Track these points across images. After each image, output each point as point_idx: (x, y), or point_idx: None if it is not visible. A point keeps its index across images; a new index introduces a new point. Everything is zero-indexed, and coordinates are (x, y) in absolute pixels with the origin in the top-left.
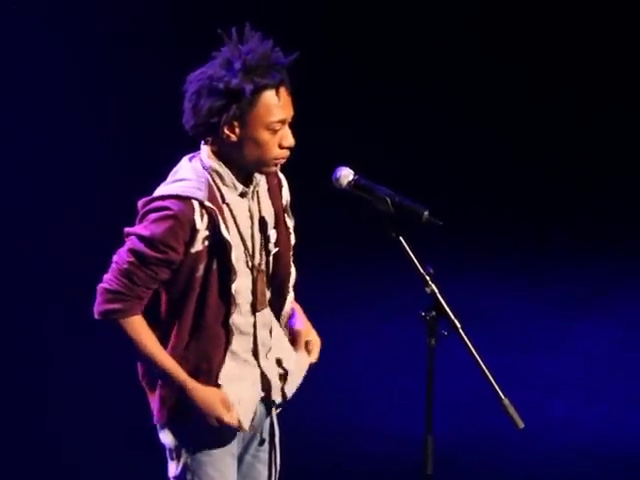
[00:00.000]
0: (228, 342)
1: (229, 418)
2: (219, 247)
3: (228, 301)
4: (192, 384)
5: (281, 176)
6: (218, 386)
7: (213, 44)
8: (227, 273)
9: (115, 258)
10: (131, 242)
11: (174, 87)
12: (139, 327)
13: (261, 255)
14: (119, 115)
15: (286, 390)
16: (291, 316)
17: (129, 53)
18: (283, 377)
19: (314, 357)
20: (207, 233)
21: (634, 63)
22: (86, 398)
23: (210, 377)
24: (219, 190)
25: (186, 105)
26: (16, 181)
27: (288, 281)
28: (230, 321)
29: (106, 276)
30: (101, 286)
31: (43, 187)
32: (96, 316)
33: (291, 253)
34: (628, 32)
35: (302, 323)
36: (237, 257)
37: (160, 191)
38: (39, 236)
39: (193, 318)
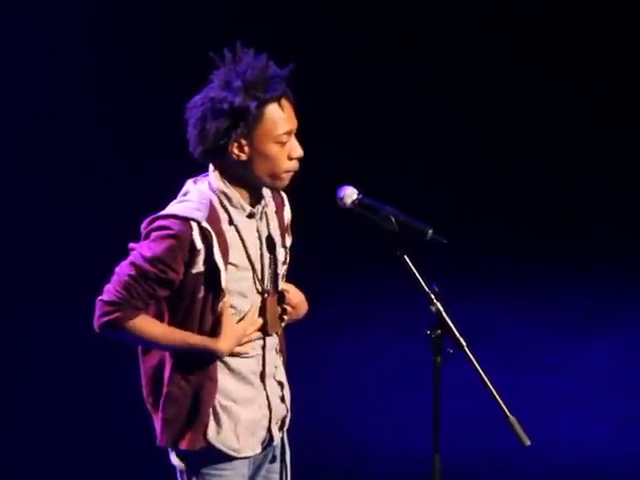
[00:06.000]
0: (223, 362)
1: (251, 337)
2: (215, 270)
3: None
4: (207, 342)
5: (283, 195)
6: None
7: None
8: (218, 297)
9: (117, 269)
10: (133, 256)
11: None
12: (142, 323)
13: (270, 277)
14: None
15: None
16: None
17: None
18: (282, 399)
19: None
20: (205, 255)
21: None
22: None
23: (211, 392)
24: (227, 212)
25: (191, 132)
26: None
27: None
28: None
29: (106, 287)
30: (99, 299)
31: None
32: (96, 330)
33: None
34: None
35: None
36: (243, 278)
37: (164, 211)
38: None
39: None
